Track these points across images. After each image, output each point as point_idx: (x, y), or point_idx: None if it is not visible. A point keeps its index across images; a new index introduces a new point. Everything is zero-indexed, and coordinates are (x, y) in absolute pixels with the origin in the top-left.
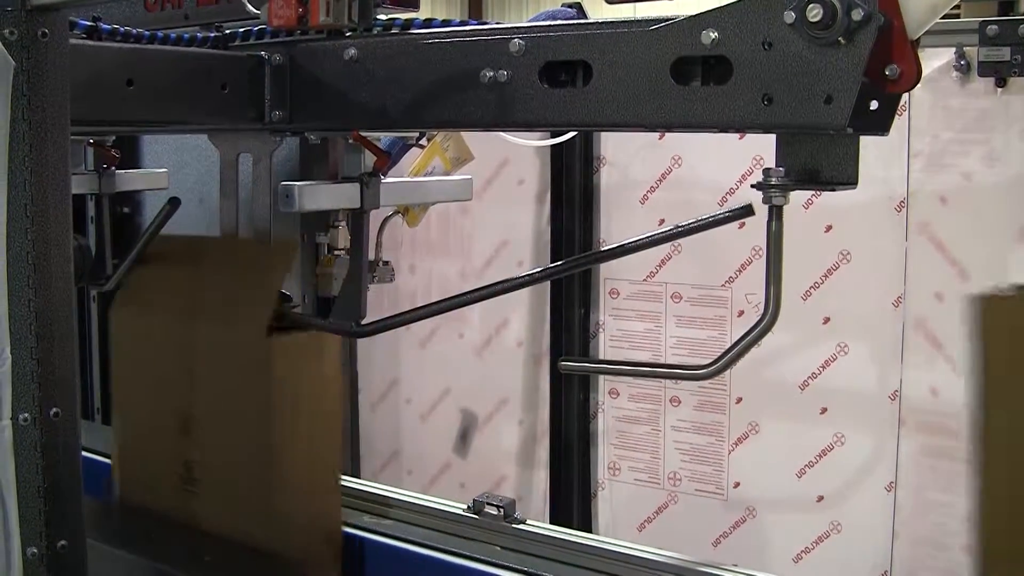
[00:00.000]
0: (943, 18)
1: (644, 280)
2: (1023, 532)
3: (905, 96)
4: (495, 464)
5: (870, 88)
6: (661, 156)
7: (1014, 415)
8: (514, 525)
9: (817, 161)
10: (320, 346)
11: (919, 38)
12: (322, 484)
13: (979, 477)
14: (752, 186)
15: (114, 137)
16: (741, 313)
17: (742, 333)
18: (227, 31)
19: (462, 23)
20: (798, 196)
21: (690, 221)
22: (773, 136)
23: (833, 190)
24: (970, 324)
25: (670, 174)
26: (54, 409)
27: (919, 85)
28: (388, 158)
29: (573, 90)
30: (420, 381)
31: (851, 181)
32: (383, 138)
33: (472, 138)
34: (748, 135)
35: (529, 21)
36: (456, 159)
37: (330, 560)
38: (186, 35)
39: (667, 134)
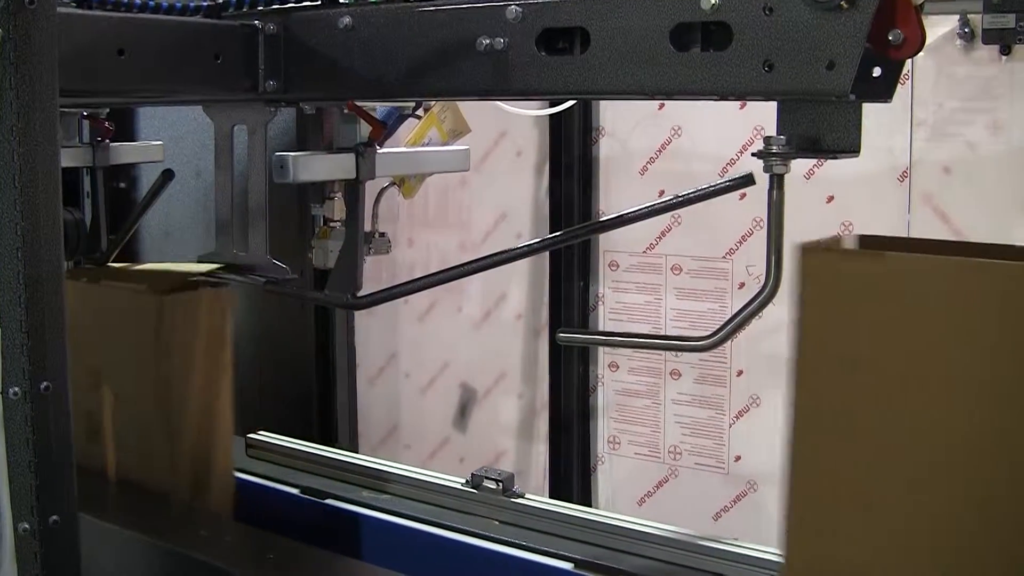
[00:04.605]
0: None
1: (644, 252)
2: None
3: (908, 64)
4: (494, 438)
5: (873, 54)
6: (661, 126)
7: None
8: (513, 499)
9: (819, 129)
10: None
11: (923, 3)
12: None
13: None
14: (753, 154)
15: (108, 109)
16: (742, 285)
17: (743, 305)
18: (220, 0)
19: None
20: (799, 166)
21: (690, 191)
22: (774, 104)
23: (835, 158)
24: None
25: (670, 144)
26: (45, 383)
27: (922, 53)
28: (384, 128)
29: (571, 57)
30: (419, 355)
31: (853, 149)
32: (379, 108)
33: (469, 109)
34: (749, 105)
35: None
36: (453, 131)
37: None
38: (178, 4)
39: (667, 104)
